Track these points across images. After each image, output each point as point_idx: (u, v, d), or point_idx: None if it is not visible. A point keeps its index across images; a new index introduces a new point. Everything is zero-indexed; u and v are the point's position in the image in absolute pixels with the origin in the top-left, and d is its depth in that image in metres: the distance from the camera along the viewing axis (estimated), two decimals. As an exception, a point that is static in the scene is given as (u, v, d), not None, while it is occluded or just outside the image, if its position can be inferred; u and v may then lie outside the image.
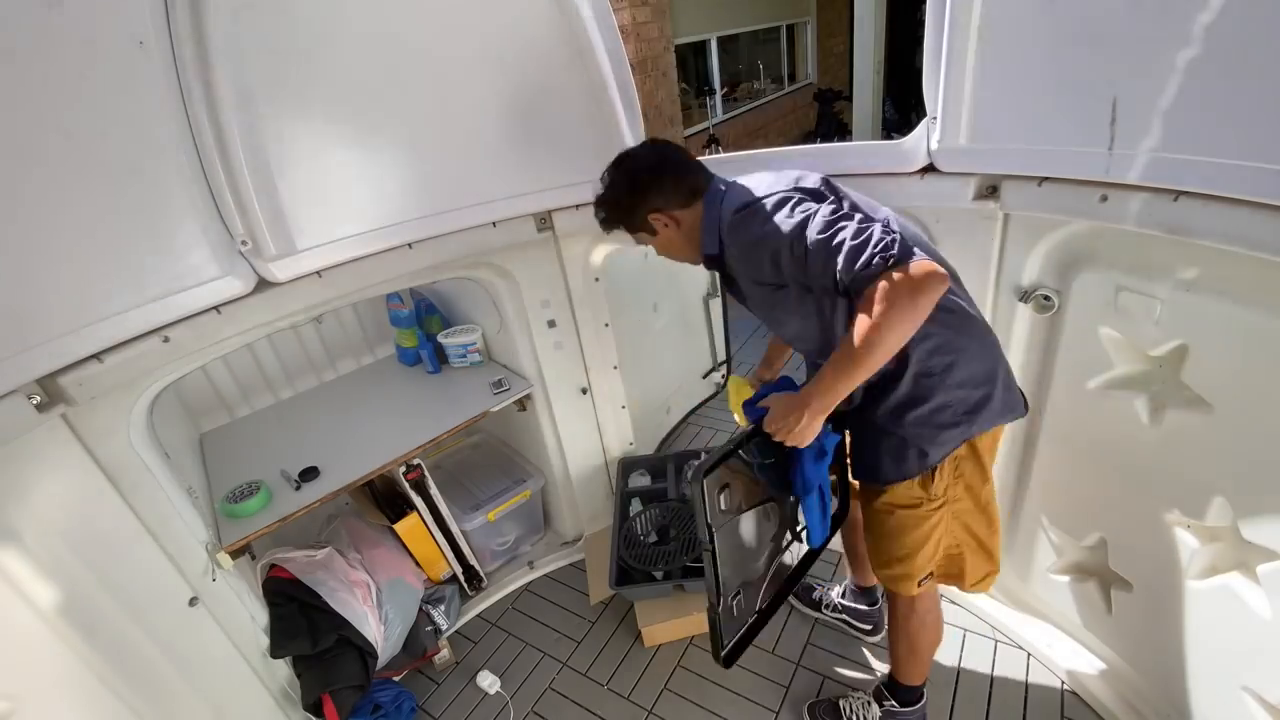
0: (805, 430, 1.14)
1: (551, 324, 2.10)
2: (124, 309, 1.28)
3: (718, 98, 6.21)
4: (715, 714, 1.85)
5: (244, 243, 1.41)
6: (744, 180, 1.26)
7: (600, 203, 1.35)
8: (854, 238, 1.04)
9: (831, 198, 1.17)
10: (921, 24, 1.30)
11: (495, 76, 1.63)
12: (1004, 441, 1.67)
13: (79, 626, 1.31)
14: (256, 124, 1.35)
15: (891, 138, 1.50)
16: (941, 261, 1.12)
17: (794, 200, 1.14)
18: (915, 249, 1.06)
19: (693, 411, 3.28)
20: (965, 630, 1.95)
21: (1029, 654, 1.84)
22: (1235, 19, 0.91)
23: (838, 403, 1.12)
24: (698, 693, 1.93)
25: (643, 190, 1.30)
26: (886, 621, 1.67)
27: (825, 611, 2.05)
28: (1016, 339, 1.53)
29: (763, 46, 7.49)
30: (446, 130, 1.63)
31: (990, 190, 1.35)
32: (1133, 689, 1.61)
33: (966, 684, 1.81)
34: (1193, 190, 1.02)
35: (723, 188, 1.28)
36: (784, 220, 1.11)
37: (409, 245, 1.67)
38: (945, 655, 1.89)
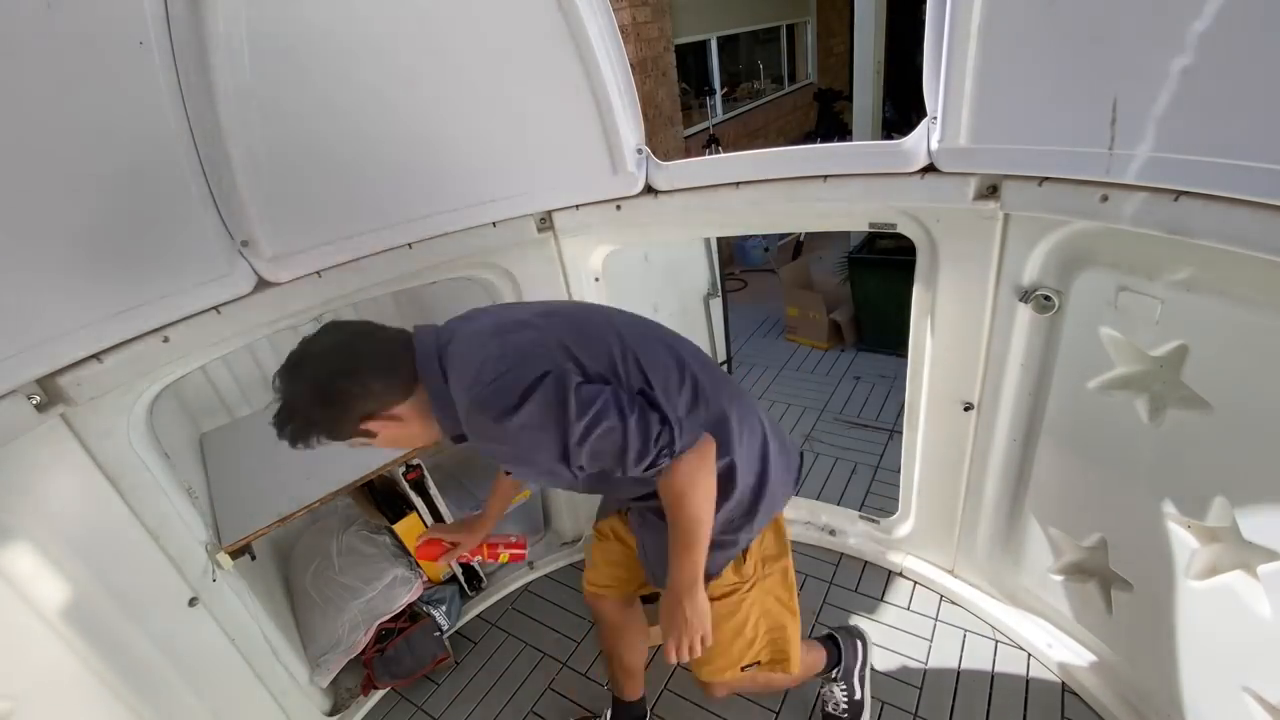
0: (700, 618, 1.14)
1: (551, 324, 2.10)
2: (124, 309, 1.28)
3: (718, 98, 6.21)
4: (715, 714, 1.85)
5: (244, 243, 1.41)
6: (468, 350, 1.05)
7: (285, 418, 1.02)
8: (632, 440, 0.99)
9: (578, 379, 1.01)
10: (921, 24, 1.30)
11: (495, 76, 1.63)
12: (1004, 441, 1.68)
13: (79, 626, 1.31)
14: (256, 123, 1.35)
15: (891, 138, 1.50)
16: (705, 371, 1.16)
17: (543, 393, 0.97)
18: (685, 420, 1.06)
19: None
20: (965, 630, 1.95)
21: (1029, 654, 1.84)
22: (1235, 19, 0.91)
23: (700, 574, 1.13)
24: (698, 693, 1.91)
25: (341, 400, 1.02)
26: None
27: None
28: (1016, 339, 1.53)
29: (763, 46, 7.49)
30: (446, 130, 1.63)
31: (990, 190, 1.35)
32: (1133, 689, 1.61)
33: (966, 684, 1.81)
34: (1193, 190, 1.01)
35: (439, 368, 1.06)
36: (539, 421, 0.97)
37: (409, 245, 1.67)
38: (945, 655, 1.89)
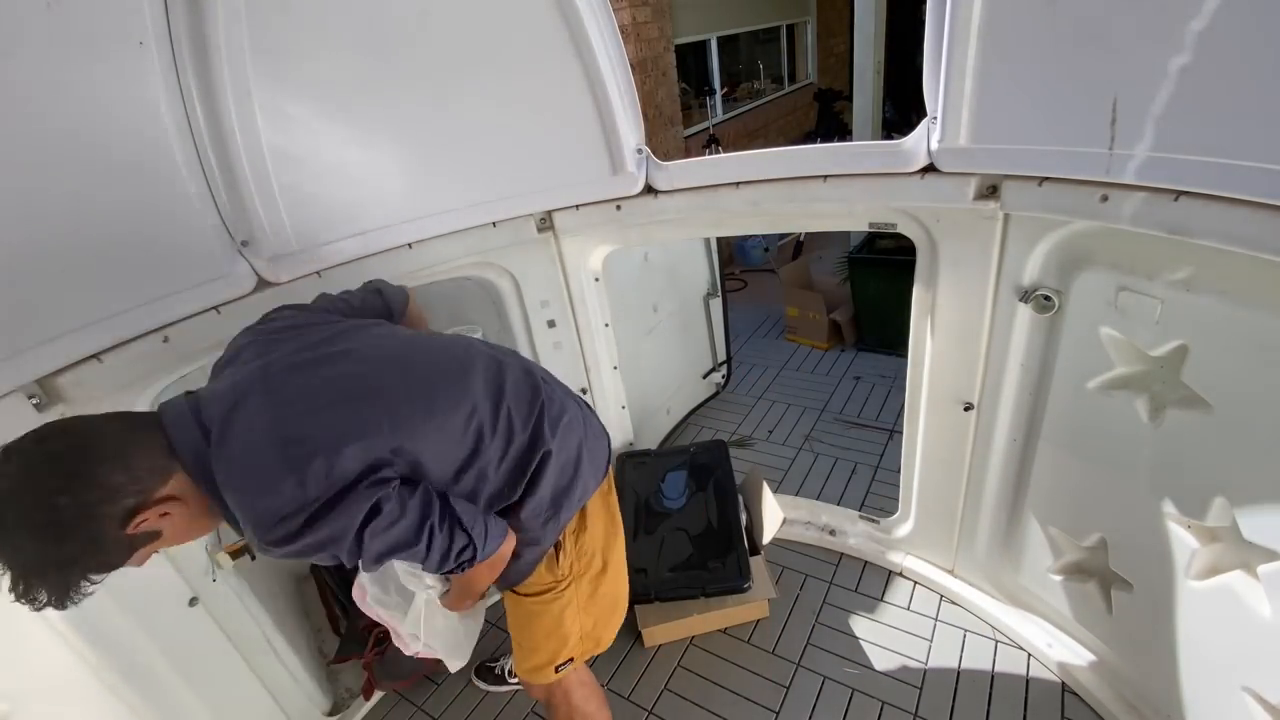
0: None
1: (551, 324, 2.10)
2: (124, 309, 1.29)
3: (718, 98, 6.21)
4: (715, 714, 1.85)
5: (244, 242, 1.41)
6: (242, 457, 0.88)
7: (29, 587, 0.78)
8: (432, 559, 0.98)
9: (372, 491, 0.90)
10: (921, 24, 1.30)
11: (495, 76, 1.63)
12: (1004, 441, 1.68)
13: (78, 627, 1.31)
14: (256, 124, 1.35)
15: (891, 138, 1.50)
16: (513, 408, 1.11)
17: (332, 524, 0.87)
18: (488, 519, 1.06)
19: (693, 412, 3.28)
20: (965, 630, 1.95)
21: (1029, 654, 1.84)
22: (1235, 19, 0.91)
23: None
24: (698, 693, 1.92)
25: (82, 521, 0.79)
26: None
27: (511, 681, 2.00)
28: (1016, 339, 1.53)
29: (763, 46, 7.49)
30: (447, 130, 1.63)
31: (990, 190, 1.35)
32: (1133, 689, 1.61)
33: (966, 684, 1.81)
34: (1193, 190, 1.01)
35: (202, 446, 0.88)
36: (328, 537, 0.89)
37: (409, 245, 1.67)
38: (945, 655, 1.89)
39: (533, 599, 1.28)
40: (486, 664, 2.07)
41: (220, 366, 1.07)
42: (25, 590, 0.79)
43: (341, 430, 0.92)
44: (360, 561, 0.93)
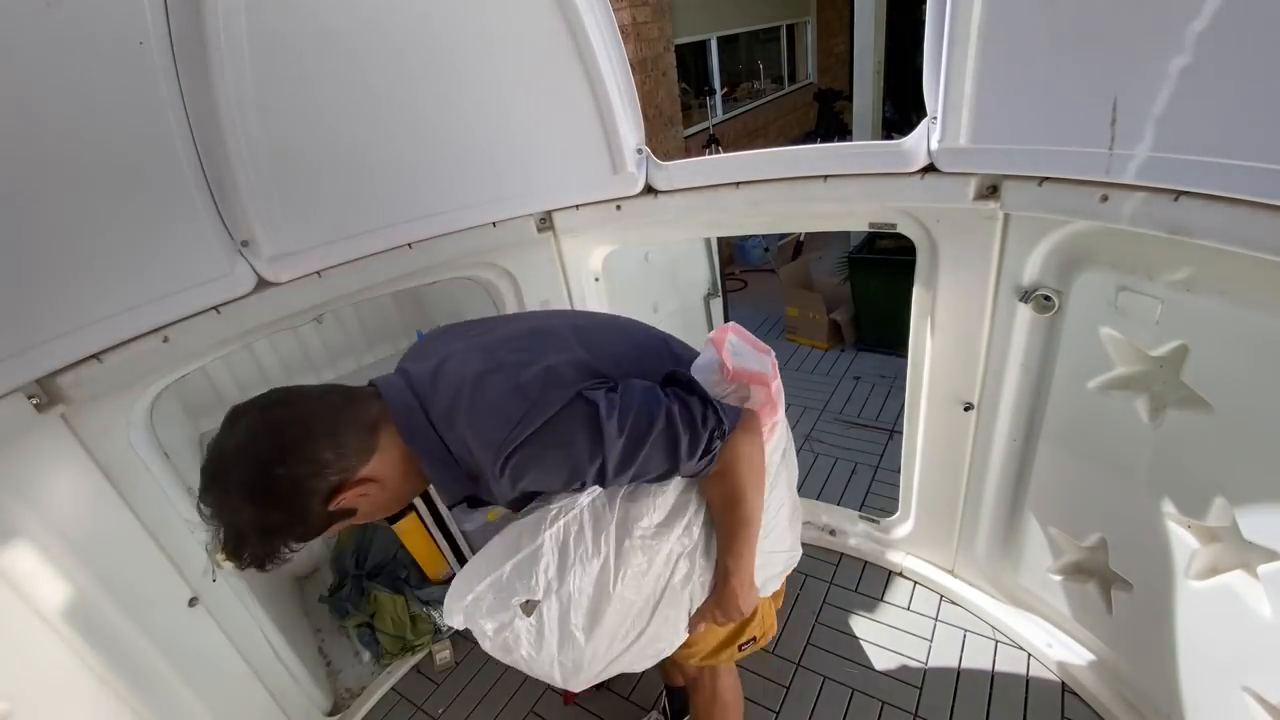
0: (749, 609, 1.10)
1: (551, 324, 2.10)
2: (124, 309, 1.28)
3: (718, 98, 6.21)
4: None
5: (244, 243, 1.41)
6: (469, 399, 0.91)
7: (237, 543, 0.86)
8: (682, 432, 0.91)
9: (602, 387, 0.92)
10: (921, 24, 1.30)
11: (495, 76, 1.63)
12: (1004, 441, 1.68)
13: (78, 627, 1.31)
14: (256, 123, 1.35)
15: (891, 138, 1.50)
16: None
17: (575, 417, 0.87)
18: (724, 401, 0.98)
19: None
20: (965, 630, 1.95)
21: (1029, 654, 1.84)
22: (1235, 19, 0.91)
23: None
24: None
25: (292, 491, 0.84)
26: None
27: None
28: (1016, 339, 1.53)
29: (763, 46, 7.49)
30: (447, 130, 1.63)
31: (990, 190, 1.35)
32: (1133, 689, 1.61)
33: (966, 684, 1.81)
34: (1193, 190, 1.01)
35: (415, 403, 0.93)
36: (583, 448, 0.88)
37: (409, 245, 1.67)
38: (945, 655, 1.89)
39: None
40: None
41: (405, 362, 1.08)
42: (235, 548, 0.86)
43: (551, 351, 0.96)
44: (608, 466, 0.88)
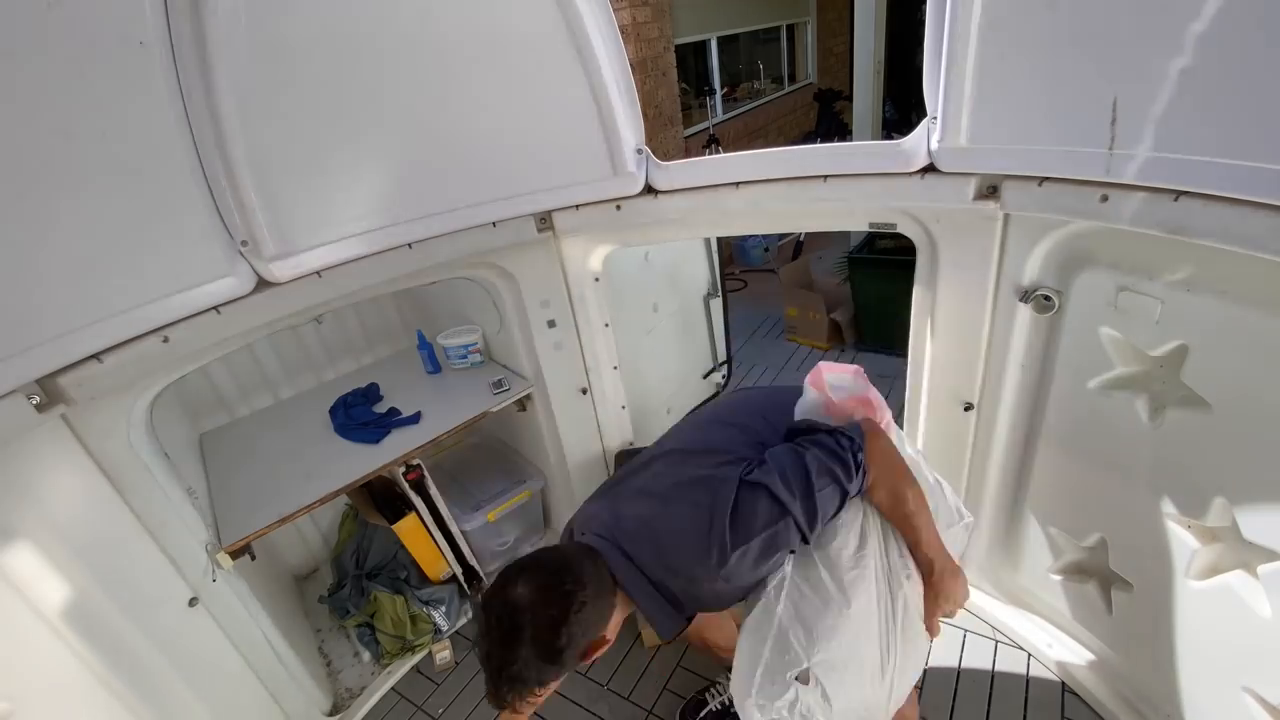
0: (963, 580, 1.18)
1: (551, 324, 2.10)
2: (124, 309, 1.28)
3: (718, 98, 6.21)
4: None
5: (244, 243, 1.41)
6: (660, 536, 1.09)
7: (511, 686, 0.98)
8: (835, 465, 1.06)
9: (752, 469, 1.09)
10: (921, 24, 1.30)
11: (495, 76, 1.63)
12: (1004, 441, 1.68)
13: (79, 627, 1.31)
14: (256, 123, 1.34)
15: (891, 138, 1.50)
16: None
17: (751, 501, 1.03)
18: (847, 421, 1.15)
19: (693, 412, 3.28)
20: (965, 630, 1.95)
21: (1029, 654, 1.84)
22: (1235, 18, 0.91)
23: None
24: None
25: (570, 647, 0.98)
26: None
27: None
28: (1016, 339, 1.53)
29: (763, 46, 7.49)
30: (447, 130, 1.63)
31: (990, 190, 1.34)
32: (1133, 689, 1.61)
33: (966, 683, 1.81)
34: (1193, 190, 1.01)
35: (627, 556, 1.08)
36: (770, 515, 1.03)
37: (409, 245, 1.66)
38: (945, 655, 1.89)
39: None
40: (698, 700, 1.86)
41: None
42: (495, 689, 0.98)
43: (689, 466, 1.13)
44: (800, 521, 1.01)
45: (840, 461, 1.05)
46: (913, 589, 1.12)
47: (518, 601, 0.97)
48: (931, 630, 1.17)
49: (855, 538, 1.09)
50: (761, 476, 1.04)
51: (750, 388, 1.36)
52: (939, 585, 1.14)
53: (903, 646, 1.09)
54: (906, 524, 1.12)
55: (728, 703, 1.77)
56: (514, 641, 0.95)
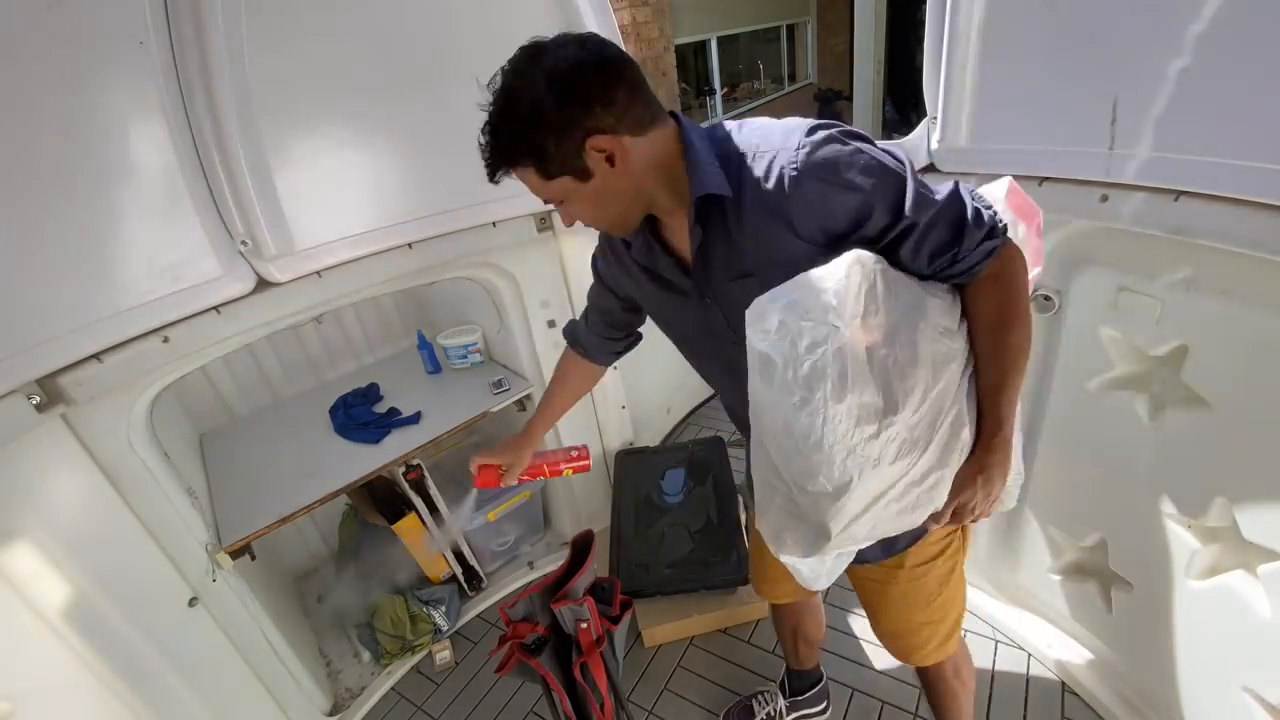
0: (1009, 466, 0.91)
1: (551, 324, 2.10)
2: (124, 309, 1.28)
3: (718, 98, 6.22)
4: (715, 714, 1.85)
5: (244, 243, 1.41)
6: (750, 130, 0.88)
7: (501, 122, 0.86)
8: (968, 200, 0.82)
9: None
10: (922, 24, 1.30)
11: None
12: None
13: (79, 627, 1.31)
14: (256, 124, 1.35)
15: (892, 138, 1.50)
16: None
17: (876, 152, 0.81)
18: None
19: (693, 412, 3.28)
20: (965, 630, 1.94)
21: (1029, 654, 1.84)
22: (1235, 19, 0.91)
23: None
24: (698, 693, 1.92)
25: (582, 95, 0.82)
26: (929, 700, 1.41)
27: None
28: (1016, 339, 1.53)
29: (763, 46, 7.49)
30: (446, 130, 1.63)
31: (990, 190, 1.35)
32: (1133, 688, 1.61)
33: (966, 684, 1.81)
34: (1193, 190, 1.02)
35: (697, 125, 0.90)
36: (886, 162, 0.80)
37: (409, 245, 1.67)
38: (945, 655, 1.89)
39: (935, 560, 1.09)
40: (745, 705, 1.79)
41: None
42: (502, 114, 0.86)
43: None
44: (906, 195, 0.79)
45: (975, 208, 0.83)
46: (957, 440, 0.85)
47: (551, 42, 0.86)
48: (944, 514, 0.91)
49: (954, 319, 0.85)
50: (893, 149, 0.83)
51: None
52: (988, 454, 0.88)
53: (929, 456, 0.83)
54: (1000, 356, 0.86)
55: (774, 714, 1.75)
56: (525, 64, 0.85)
